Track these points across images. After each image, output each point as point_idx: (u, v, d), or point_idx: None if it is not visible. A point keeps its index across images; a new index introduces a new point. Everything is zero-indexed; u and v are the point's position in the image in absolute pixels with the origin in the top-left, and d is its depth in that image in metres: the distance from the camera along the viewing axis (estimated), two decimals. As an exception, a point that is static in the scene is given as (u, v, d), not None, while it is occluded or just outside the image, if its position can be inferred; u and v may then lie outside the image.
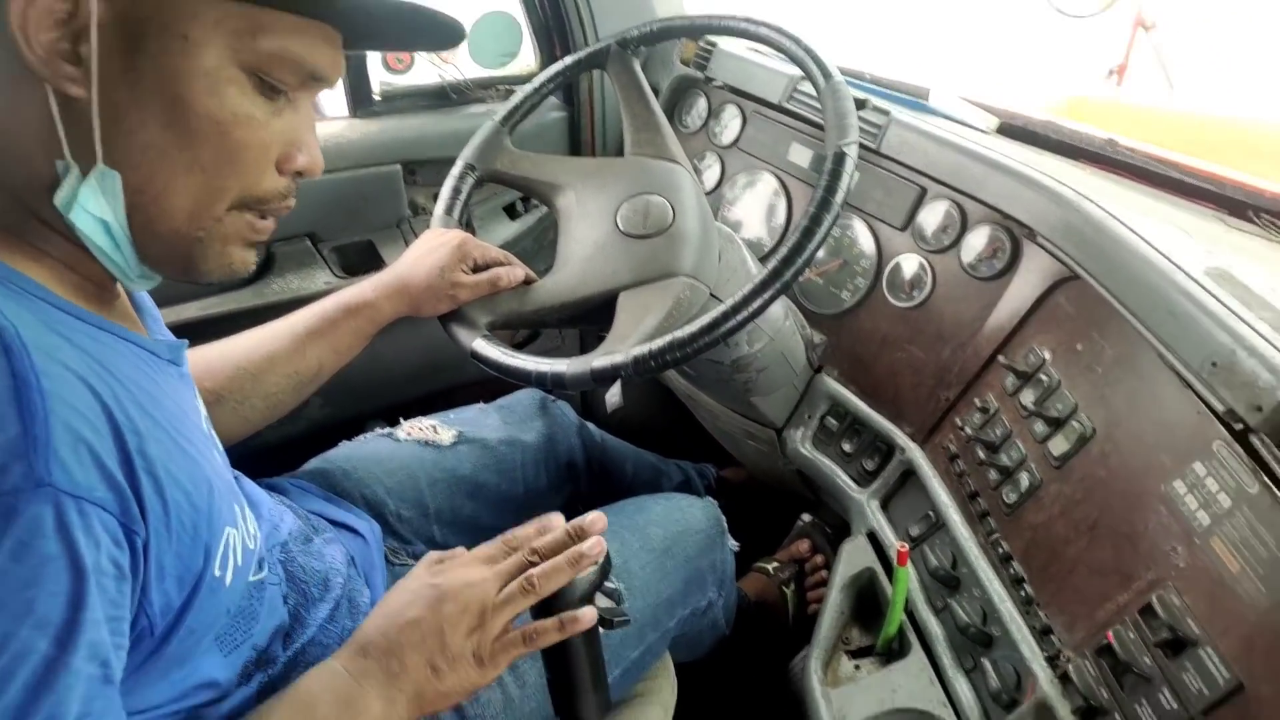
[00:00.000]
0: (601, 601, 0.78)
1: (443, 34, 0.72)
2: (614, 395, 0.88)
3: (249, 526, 0.71)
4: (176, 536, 0.58)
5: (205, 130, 0.58)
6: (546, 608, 0.75)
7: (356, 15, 0.62)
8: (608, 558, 0.77)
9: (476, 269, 1.03)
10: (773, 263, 0.86)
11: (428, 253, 1.01)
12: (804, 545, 1.53)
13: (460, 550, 0.79)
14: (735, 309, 0.86)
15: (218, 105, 0.58)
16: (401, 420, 1.22)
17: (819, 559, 1.52)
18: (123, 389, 0.57)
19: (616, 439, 1.44)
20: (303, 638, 0.79)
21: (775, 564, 1.50)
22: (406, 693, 0.69)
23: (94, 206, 0.57)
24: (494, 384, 1.67)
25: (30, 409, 0.48)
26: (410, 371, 1.54)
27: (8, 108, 0.55)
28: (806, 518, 1.58)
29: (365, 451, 1.14)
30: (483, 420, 1.26)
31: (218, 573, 0.63)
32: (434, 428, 1.19)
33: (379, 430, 1.21)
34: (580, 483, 1.34)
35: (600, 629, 0.76)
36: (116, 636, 0.53)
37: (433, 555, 0.79)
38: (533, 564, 0.75)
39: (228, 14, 0.56)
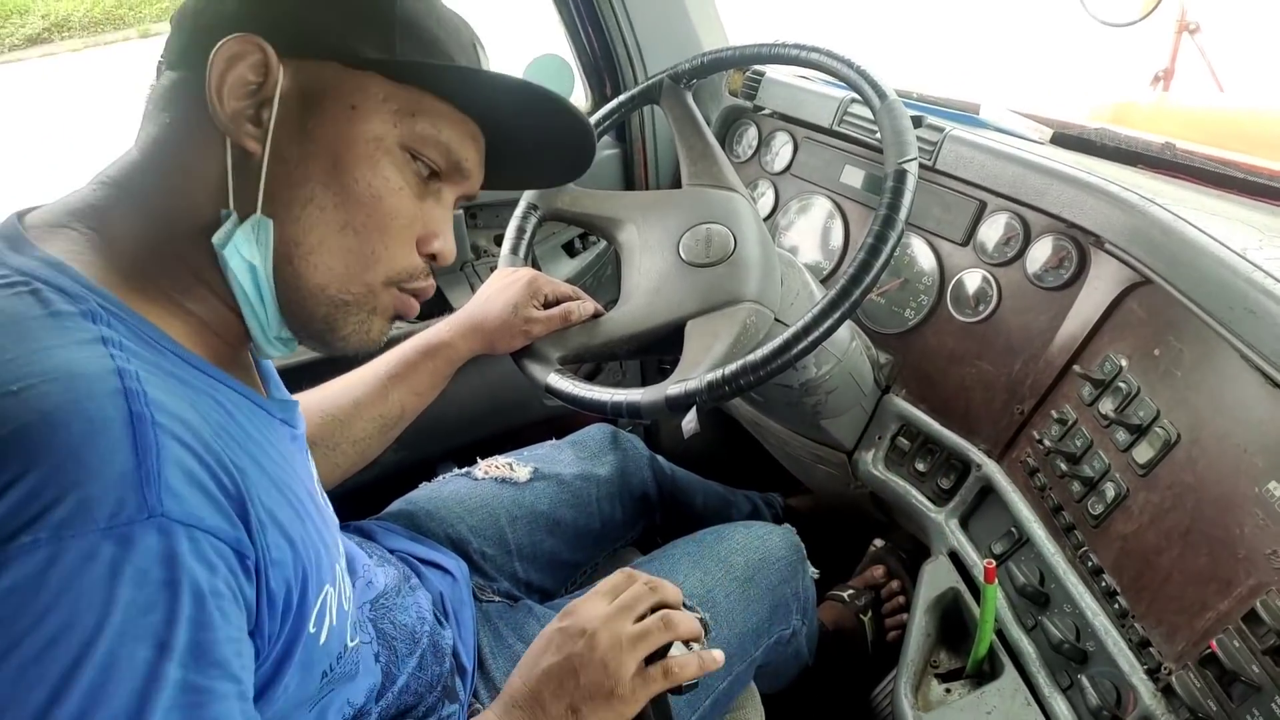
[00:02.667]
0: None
1: (574, 155, 0.80)
2: (690, 422, 0.89)
3: (345, 589, 0.72)
4: (279, 579, 0.59)
5: (361, 194, 0.63)
6: None
7: (498, 112, 0.70)
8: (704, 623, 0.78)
9: (547, 304, 1.05)
10: (840, 282, 0.86)
11: (500, 291, 1.03)
12: (879, 571, 1.51)
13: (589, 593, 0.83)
14: (806, 330, 0.86)
15: (373, 173, 0.63)
16: (478, 459, 1.24)
17: (895, 584, 1.50)
18: (231, 437, 0.58)
19: (685, 470, 1.44)
20: (393, 690, 0.81)
21: (850, 591, 1.48)
22: None
23: (246, 250, 0.61)
24: (559, 422, 1.70)
25: (144, 443, 0.49)
26: (477, 414, 1.56)
27: (190, 161, 0.61)
28: (879, 543, 1.56)
29: (446, 492, 1.16)
30: (556, 456, 1.27)
31: (313, 629, 0.63)
32: (510, 465, 1.21)
33: (456, 471, 1.23)
34: (654, 515, 1.34)
35: (669, 694, 0.77)
36: (241, 659, 0.53)
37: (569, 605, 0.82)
38: (653, 594, 0.80)
39: (392, 93, 0.63)
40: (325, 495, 0.78)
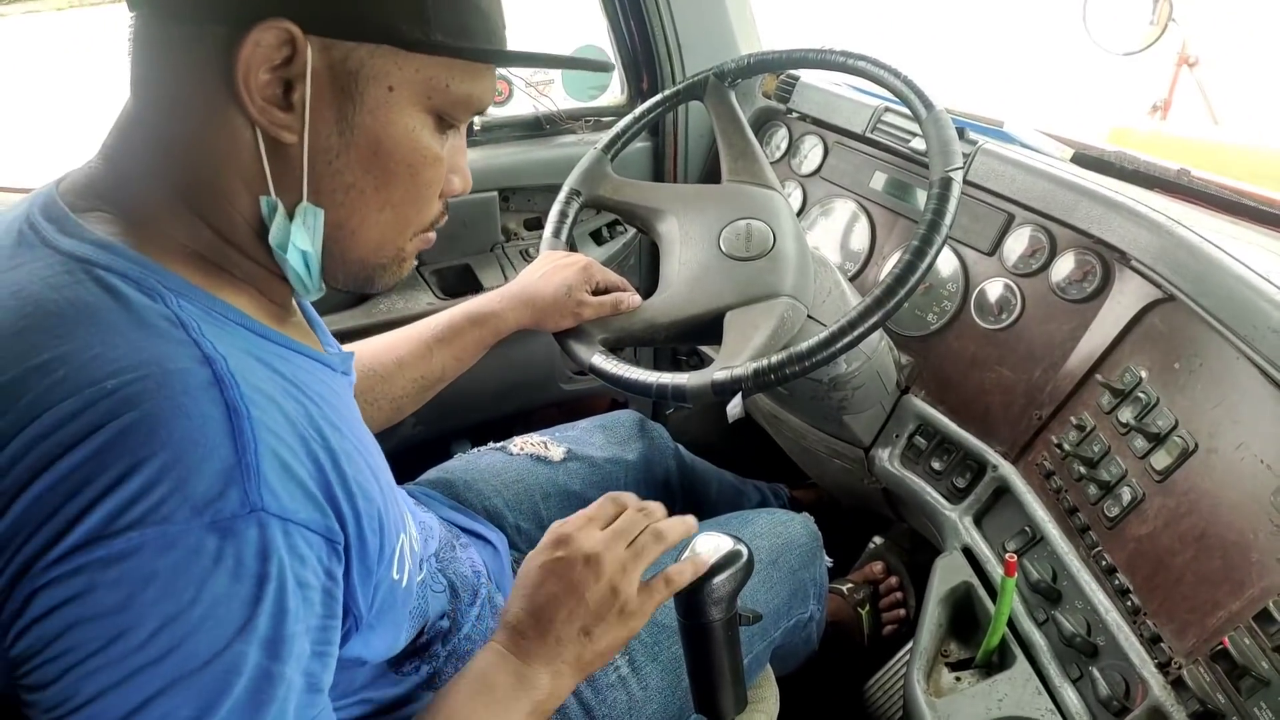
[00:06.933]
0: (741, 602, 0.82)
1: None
2: (735, 407, 0.92)
3: (412, 531, 0.75)
4: (368, 543, 0.62)
5: (400, 172, 0.62)
6: (692, 609, 0.78)
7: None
8: (751, 558, 0.80)
9: (597, 291, 1.08)
10: (886, 282, 0.90)
11: (555, 271, 1.06)
12: (878, 567, 1.55)
13: (574, 517, 0.81)
14: (851, 325, 0.90)
15: (412, 149, 0.62)
16: (513, 437, 1.27)
17: (893, 580, 1.54)
18: (315, 408, 0.60)
19: (702, 460, 1.48)
20: (458, 635, 0.85)
21: (850, 585, 1.52)
22: (569, 662, 0.74)
23: (300, 241, 0.61)
24: (570, 407, 1.73)
25: (243, 438, 0.52)
26: (494, 393, 1.58)
27: (211, 141, 0.58)
28: (879, 540, 1.60)
29: (482, 464, 1.19)
30: (588, 439, 1.30)
31: (395, 575, 0.67)
32: (545, 444, 1.24)
33: (491, 445, 1.26)
34: (675, 502, 1.37)
35: (740, 626, 0.80)
36: (321, 645, 0.57)
37: (554, 530, 0.80)
38: (645, 517, 0.81)
39: (426, 64, 0.60)
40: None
